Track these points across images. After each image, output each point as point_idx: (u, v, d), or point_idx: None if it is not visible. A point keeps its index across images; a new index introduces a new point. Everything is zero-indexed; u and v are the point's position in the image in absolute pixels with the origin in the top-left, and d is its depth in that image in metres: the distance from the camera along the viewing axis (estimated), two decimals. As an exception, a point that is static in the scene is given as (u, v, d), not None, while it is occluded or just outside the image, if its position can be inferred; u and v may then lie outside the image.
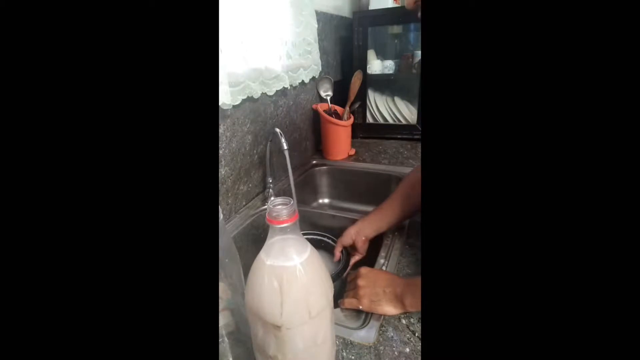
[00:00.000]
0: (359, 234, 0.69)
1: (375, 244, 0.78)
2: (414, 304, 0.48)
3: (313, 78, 1.08)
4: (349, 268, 0.71)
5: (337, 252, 0.71)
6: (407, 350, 0.44)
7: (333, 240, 0.78)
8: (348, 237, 0.70)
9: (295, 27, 0.95)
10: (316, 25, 1.01)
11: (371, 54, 1.28)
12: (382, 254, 0.66)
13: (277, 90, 0.88)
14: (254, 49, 0.77)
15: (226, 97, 0.65)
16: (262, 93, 0.81)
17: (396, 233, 0.71)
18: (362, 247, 0.70)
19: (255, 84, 0.77)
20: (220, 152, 0.73)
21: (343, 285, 0.66)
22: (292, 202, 0.31)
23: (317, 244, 0.80)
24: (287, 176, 0.78)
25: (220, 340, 0.39)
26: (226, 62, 0.68)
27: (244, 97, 0.75)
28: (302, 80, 1.00)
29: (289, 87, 0.94)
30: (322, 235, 0.82)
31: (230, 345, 0.40)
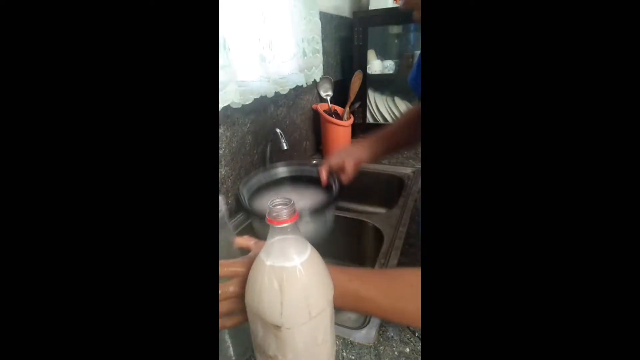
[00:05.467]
0: (350, 155, 0.63)
1: (375, 244, 0.78)
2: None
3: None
4: (335, 192, 0.60)
5: (324, 174, 0.62)
6: (407, 350, 0.44)
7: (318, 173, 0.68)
8: (338, 157, 0.63)
9: (305, 25, 0.95)
10: (320, 25, 1.01)
11: (371, 54, 1.28)
12: (382, 253, 0.66)
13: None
14: (270, 48, 0.77)
15: (235, 95, 0.65)
16: (276, 92, 0.81)
17: (396, 233, 0.71)
18: (352, 170, 0.63)
19: (269, 82, 0.77)
20: (220, 152, 0.73)
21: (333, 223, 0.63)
22: (292, 202, 0.31)
23: (298, 180, 0.71)
24: (287, 176, 0.78)
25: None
26: (238, 61, 0.68)
27: (257, 97, 0.74)
28: (315, 79, 1.00)
29: (305, 86, 0.93)
30: (304, 165, 0.72)
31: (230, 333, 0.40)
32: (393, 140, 0.66)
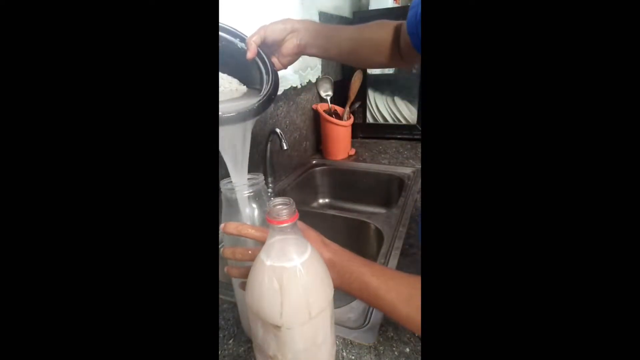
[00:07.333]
0: (295, 32, 0.46)
1: (375, 244, 0.78)
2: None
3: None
4: (271, 89, 0.40)
5: (253, 46, 0.43)
6: (407, 350, 0.44)
7: (242, 40, 0.45)
8: (278, 29, 0.45)
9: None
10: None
11: (371, 54, 1.28)
12: (382, 253, 0.66)
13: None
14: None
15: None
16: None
17: (396, 233, 0.71)
18: (288, 54, 0.46)
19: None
20: (220, 152, 0.73)
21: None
22: (292, 202, 0.31)
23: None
24: (287, 176, 0.77)
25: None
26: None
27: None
28: (309, 80, 1.00)
29: (299, 87, 0.93)
30: (228, 31, 0.45)
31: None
32: (343, 44, 0.51)
